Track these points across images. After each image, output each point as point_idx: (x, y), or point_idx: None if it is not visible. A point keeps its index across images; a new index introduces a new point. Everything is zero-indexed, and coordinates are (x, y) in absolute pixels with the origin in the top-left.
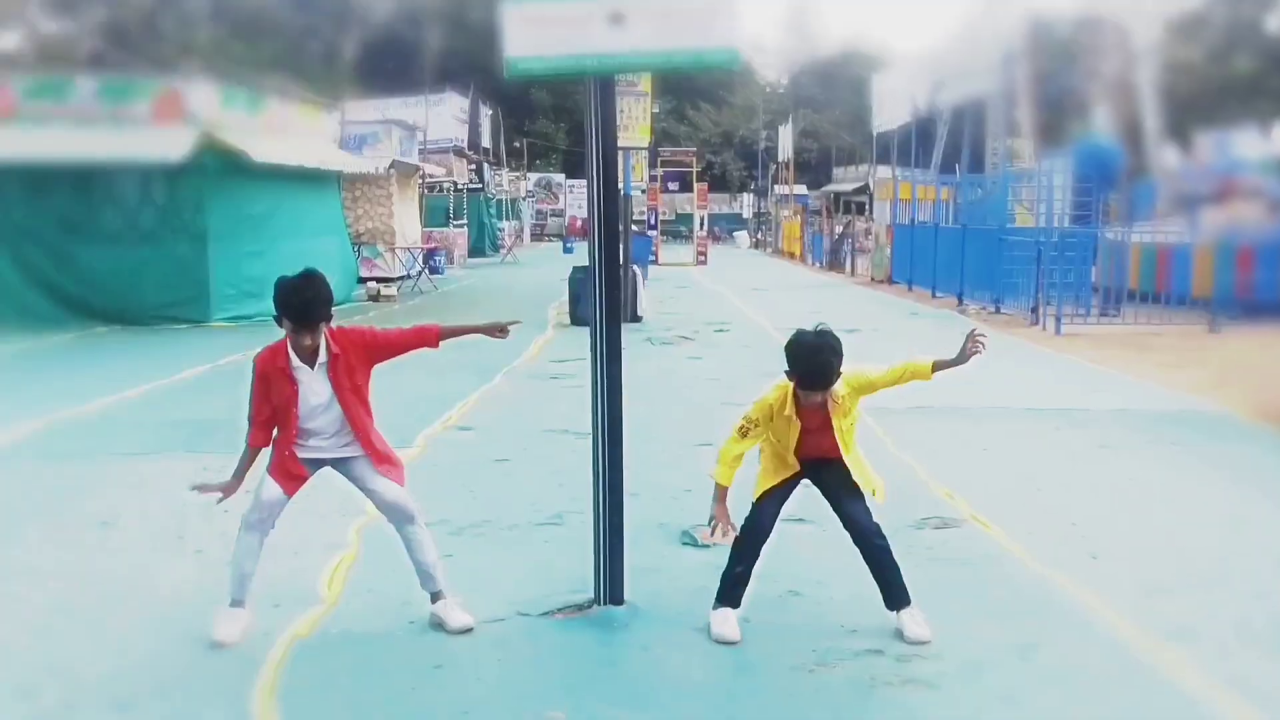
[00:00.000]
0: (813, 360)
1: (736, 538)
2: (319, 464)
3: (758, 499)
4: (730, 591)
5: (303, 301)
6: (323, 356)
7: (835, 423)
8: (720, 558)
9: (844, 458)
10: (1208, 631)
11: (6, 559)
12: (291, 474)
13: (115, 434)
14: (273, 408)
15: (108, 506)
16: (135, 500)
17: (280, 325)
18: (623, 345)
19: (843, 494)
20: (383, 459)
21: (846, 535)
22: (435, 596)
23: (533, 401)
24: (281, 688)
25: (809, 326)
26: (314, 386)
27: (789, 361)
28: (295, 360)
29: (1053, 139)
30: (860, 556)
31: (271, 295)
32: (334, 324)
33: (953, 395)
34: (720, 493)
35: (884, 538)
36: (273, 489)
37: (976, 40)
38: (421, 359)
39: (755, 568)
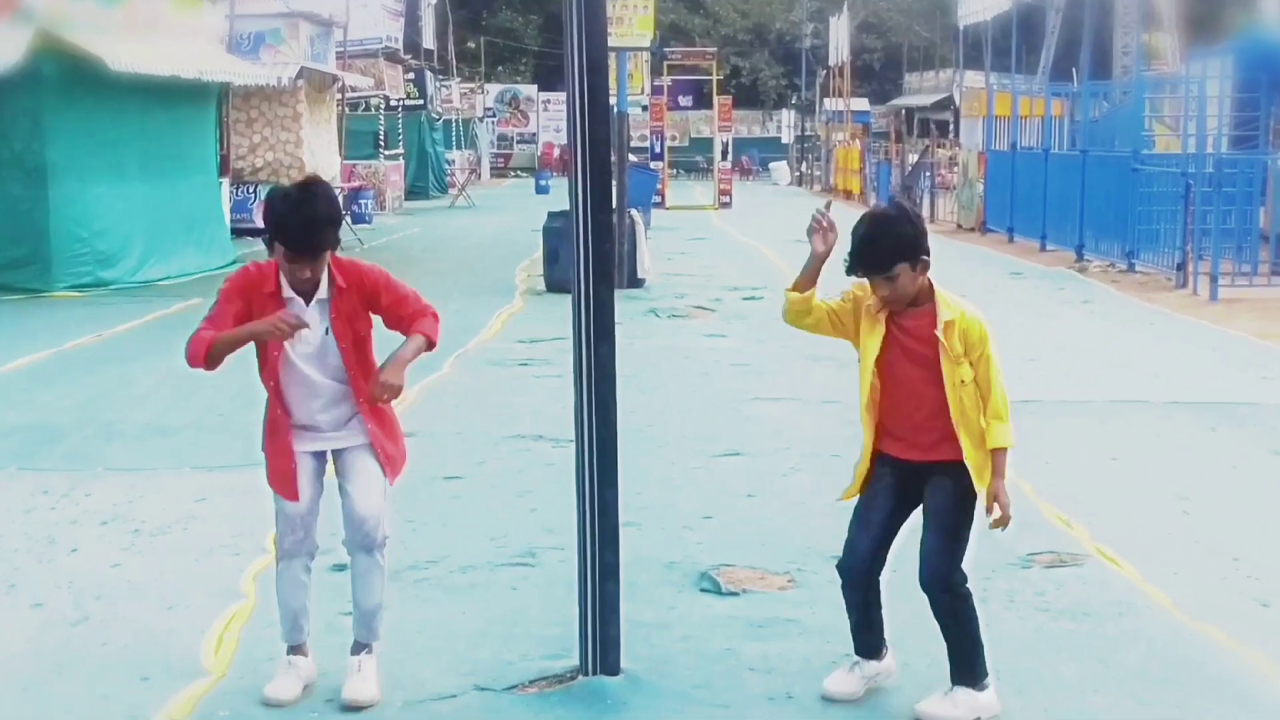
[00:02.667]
0: (858, 234)
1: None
2: (318, 456)
3: (856, 507)
4: (855, 635)
5: (304, 220)
6: (323, 291)
7: (947, 368)
8: (754, 609)
9: (961, 443)
10: None
11: None
12: (283, 472)
13: None
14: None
15: None
16: None
17: (271, 250)
18: (617, 319)
19: (930, 506)
20: (387, 450)
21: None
22: (358, 647)
23: (494, 397)
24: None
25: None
26: (310, 323)
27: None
28: (287, 289)
29: (1206, 32)
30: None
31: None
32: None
33: (1069, 384)
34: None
35: (953, 591)
36: (292, 495)
37: None
38: None
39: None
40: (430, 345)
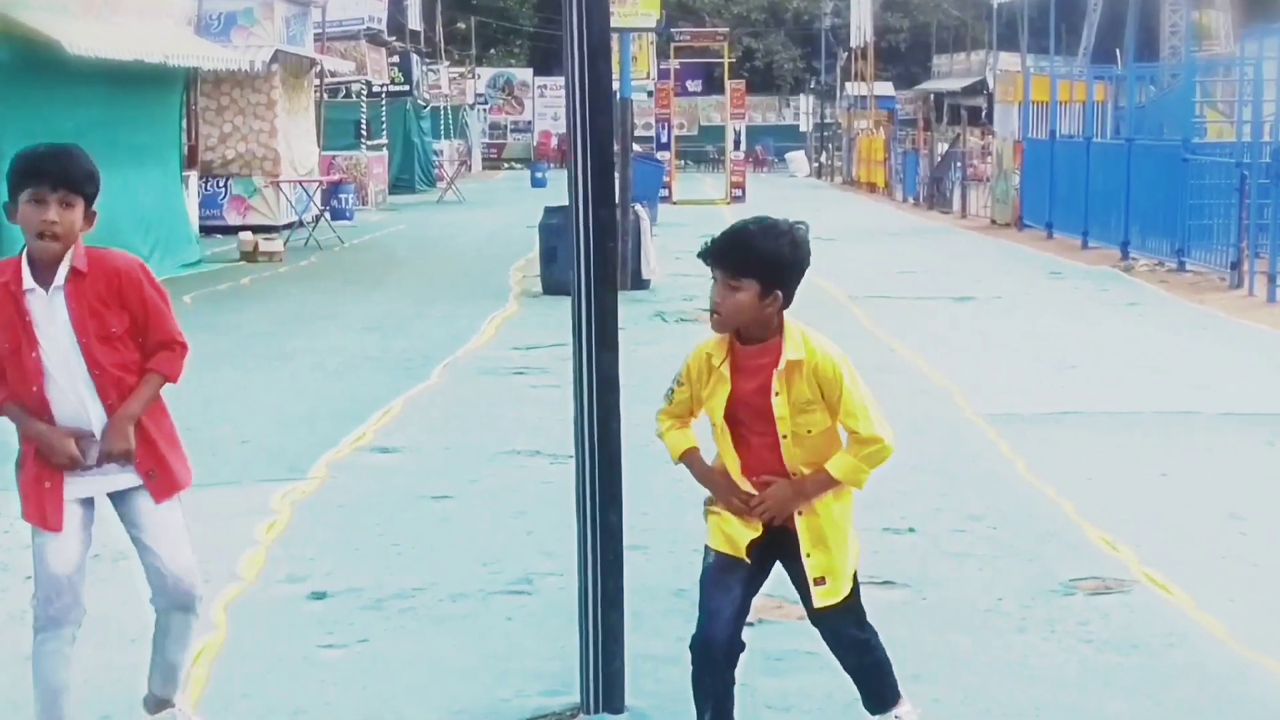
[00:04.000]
0: (747, 223)
1: (693, 661)
2: (86, 503)
3: (704, 580)
4: None
5: (54, 148)
6: (60, 276)
7: (778, 405)
8: (772, 641)
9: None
10: None
11: None
12: (46, 507)
13: None
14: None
15: None
16: None
17: (10, 214)
18: (621, 323)
19: (800, 575)
20: (167, 481)
21: (956, 605)
22: (158, 704)
23: (486, 409)
24: None
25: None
26: (47, 323)
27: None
28: (27, 277)
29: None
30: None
31: (6, 180)
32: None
33: (1113, 394)
34: (688, 460)
35: (871, 648)
36: (56, 548)
37: None
38: (323, 348)
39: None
40: (162, 385)
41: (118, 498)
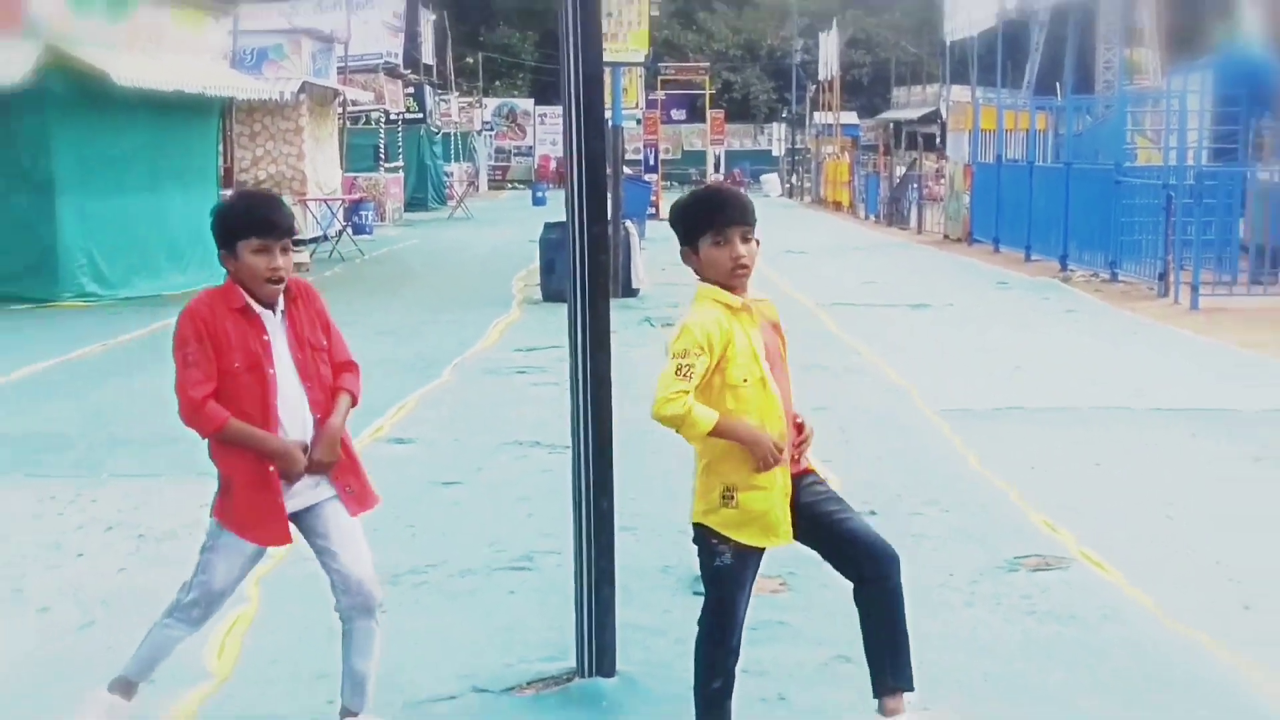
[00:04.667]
0: (718, 189)
1: (702, 635)
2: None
3: (721, 574)
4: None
5: (267, 198)
6: (281, 302)
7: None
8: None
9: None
10: None
11: None
12: (272, 526)
13: None
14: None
15: None
16: None
17: (225, 265)
18: (612, 328)
19: (829, 505)
20: (363, 495)
21: (913, 581)
22: (344, 714)
23: (491, 404)
24: None
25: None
26: (278, 340)
27: (691, 215)
28: (252, 304)
29: (1186, 48)
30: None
31: (216, 230)
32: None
33: (1054, 392)
34: (725, 426)
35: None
36: (229, 566)
37: None
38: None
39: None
40: (355, 402)
41: (305, 510)
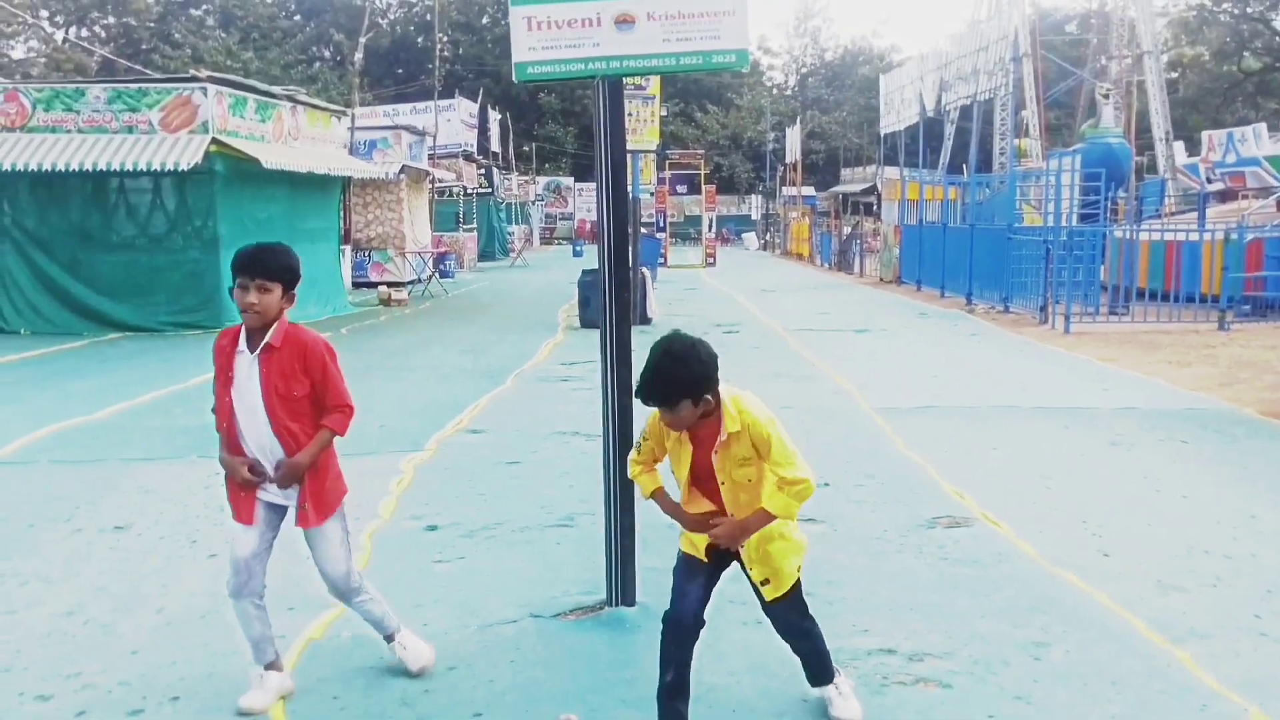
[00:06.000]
0: (650, 365)
1: (663, 633)
2: (271, 507)
3: (676, 569)
4: (666, 707)
5: (255, 246)
6: (259, 347)
7: (718, 463)
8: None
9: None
10: (1220, 629)
11: (19, 565)
12: (239, 507)
13: (127, 440)
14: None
15: (121, 512)
16: (147, 506)
17: (233, 297)
18: (632, 347)
19: (761, 589)
20: (315, 514)
21: (857, 535)
22: (388, 638)
23: (543, 404)
24: (296, 691)
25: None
26: (246, 379)
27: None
28: (242, 341)
29: (1060, 138)
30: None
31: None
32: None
33: (961, 394)
34: (657, 497)
35: (818, 631)
36: (241, 538)
37: (983, 41)
38: (434, 363)
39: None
40: (332, 438)
41: (279, 509)
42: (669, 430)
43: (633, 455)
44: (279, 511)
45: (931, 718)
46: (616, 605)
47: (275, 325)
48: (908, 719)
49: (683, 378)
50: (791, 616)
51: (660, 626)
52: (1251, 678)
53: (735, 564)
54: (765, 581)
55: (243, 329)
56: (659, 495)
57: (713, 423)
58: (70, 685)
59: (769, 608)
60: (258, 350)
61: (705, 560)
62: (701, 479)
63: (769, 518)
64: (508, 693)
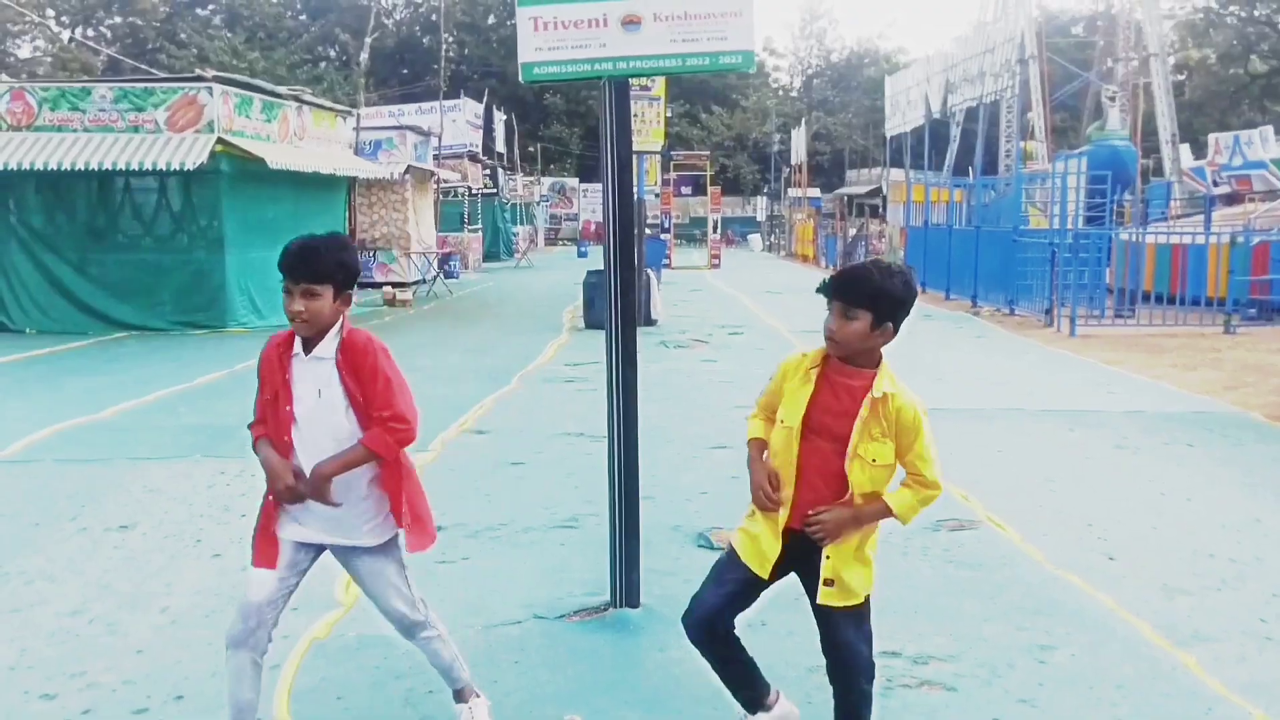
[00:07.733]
0: (854, 265)
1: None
2: (301, 548)
3: (714, 565)
4: (733, 693)
5: (300, 244)
6: (323, 350)
7: (856, 436)
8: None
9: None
10: (1225, 633)
11: (24, 564)
12: (261, 546)
13: (133, 439)
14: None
15: (126, 511)
16: (152, 505)
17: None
18: (638, 348)
19: (820, 587)
20: (412, 515)
21: None
22: (456, 695)
23: (548, 405)
24: (299, 691)
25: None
26: (302, 382)
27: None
28: (298, 345)
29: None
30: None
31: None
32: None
33: (967, 397)
34: (752, 446)
35: (870, 680)
36: (257, 580)
37: (989, 43)
38: (439, 364)
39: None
40: (371, 457)
41: (340, 552)
42: (798, 367)
43: (757, 399)
44: (309, 554)
45: None
46: (621, 607)
47: (334, 331)
48: None
49: (882, 286)
50: (849, 635)
51: (661, 629)
52: (1257, 681)
53: (783, 578)
54: (830, 582)
55: (296, 333)
56: (755, 444)
57: (863, 375)
58: (75, 684)
59: (826, 617)
60: (318, 355)
61: (764, 577)
62: (816, 434)
63: (887, 514)
64: (512, 693)
